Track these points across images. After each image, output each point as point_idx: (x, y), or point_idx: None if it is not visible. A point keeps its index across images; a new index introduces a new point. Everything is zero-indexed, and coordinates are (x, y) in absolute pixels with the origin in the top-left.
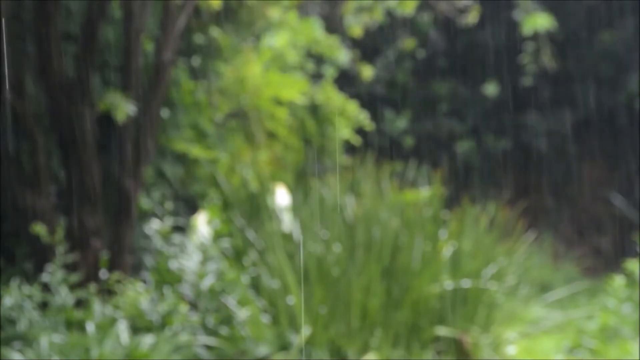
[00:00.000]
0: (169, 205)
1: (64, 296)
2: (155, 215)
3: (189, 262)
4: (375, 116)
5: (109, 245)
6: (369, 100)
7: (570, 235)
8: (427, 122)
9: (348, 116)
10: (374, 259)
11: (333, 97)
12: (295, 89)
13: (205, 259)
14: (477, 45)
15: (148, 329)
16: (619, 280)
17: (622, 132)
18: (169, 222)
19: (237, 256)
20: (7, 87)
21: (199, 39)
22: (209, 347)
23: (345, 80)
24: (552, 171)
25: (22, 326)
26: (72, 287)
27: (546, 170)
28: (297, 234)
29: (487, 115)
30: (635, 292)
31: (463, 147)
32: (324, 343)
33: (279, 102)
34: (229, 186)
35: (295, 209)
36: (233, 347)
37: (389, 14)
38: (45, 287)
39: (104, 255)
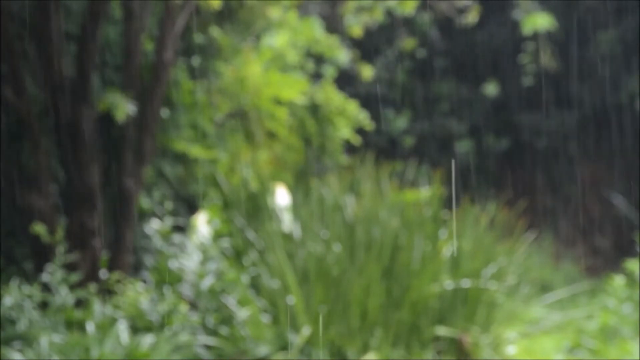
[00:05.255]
0: (169, 205)
1: (64, 296)
2: (155, 215)
3: (189, 262)
4: (375, 116)
5: (109, 245)
6: (369, 100)
7: (570, 235)
8: (427, 122)
9: (348, 116)
10: (374, 259)
11: (333, 97)
12: (295, 89)
13: (205, 259)
14: (477, 45)
15: (148, 329)
16: (619, 280)
17: (622, 132)
18: (169, 222)
19: (237, 256)
20: (8, 86)
21: (199, 39)
22: (209, 347)
23: (345, 80)
24: (552, 171)
25: (22, 326)
26: (72, 287)
27: (546, 170)
28: (297, 234)
29: (487, 115)
30: (635, 292)
31: (463, 147)
32: (324, 343)
33: (279, 102)
34: (229, 186)
35: (295, 209)
36: (233, 347)
37: (389, 14)
38: (45, 287)
39: (104, 255)
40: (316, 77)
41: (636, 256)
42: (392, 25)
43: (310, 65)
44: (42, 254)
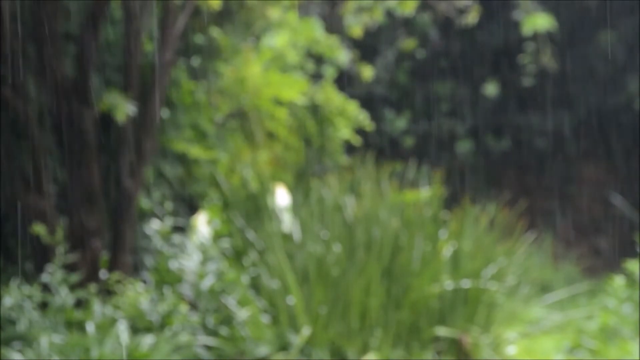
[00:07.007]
0: (169, 205)
1: (64, 296)
2: (155, 215)
3: (189, 262)
4: (375, 116)
5: (109, 245)
6: (369, 100)
7: (570, 235)
8: (427, 122)
9: (348, 116)
10: (374, 259)
11: (333, 97)
12: (295, 89)
13: (205, 259)
14: (477, 45)
15: (148, 329)
16: (619, 280)
17: (622, 132)
18: (169, 222)
19: (237, 256)
20: (8, 86)
21: (199, 39)
22: (209, 347)
23: (345, 80)
24: (552, 171)
25: (22, 326)
26: (72, 287)
27: (546, 170)
28: (297, 234)
29: (487, 115)
30: (635, 292)
31: (463, 147)
32: (324, 343)
33: (279, 102)
34: (229, 186)
35: (295, 209)
36: (233, 347)
37: (389, 14)
38: (45, 287)
39: (104, 255)
40: (316, 77)
41: (636, 256)
42: (392, 25)
43: (310, 66)
44: (42, 254)
